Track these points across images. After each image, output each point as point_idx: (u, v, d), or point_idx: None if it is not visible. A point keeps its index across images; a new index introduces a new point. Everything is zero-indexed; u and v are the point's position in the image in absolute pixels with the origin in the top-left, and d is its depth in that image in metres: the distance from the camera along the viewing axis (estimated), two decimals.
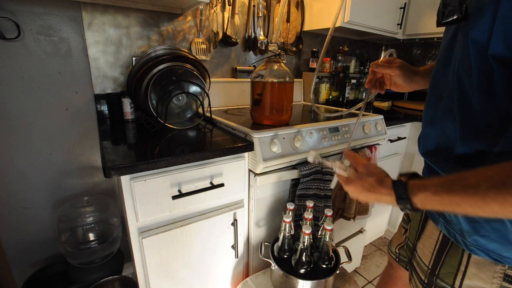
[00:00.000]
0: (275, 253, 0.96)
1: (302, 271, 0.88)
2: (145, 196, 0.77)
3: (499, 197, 0.35)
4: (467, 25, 0.47)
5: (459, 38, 0.50)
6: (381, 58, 0.75)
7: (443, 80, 0.55)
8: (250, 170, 0.97)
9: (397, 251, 0.86)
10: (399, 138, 1.57)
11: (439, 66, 0.58)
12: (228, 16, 1.43)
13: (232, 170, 0.92)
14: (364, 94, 1.97)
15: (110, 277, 1.11)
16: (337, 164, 0.58)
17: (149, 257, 0.83)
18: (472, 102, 0.47)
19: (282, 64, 1.03)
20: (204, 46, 1.40)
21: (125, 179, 0.74)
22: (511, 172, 0.35)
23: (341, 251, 1.01)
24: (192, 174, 0.84)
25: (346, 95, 1.85)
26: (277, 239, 0.98)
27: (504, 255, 0.47)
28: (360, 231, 1.53)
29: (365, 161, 0.56)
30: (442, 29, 0.58)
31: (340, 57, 1.88)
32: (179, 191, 0.82)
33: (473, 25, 0.45)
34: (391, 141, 1.53)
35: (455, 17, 0.48)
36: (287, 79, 1.02)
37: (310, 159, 0.66)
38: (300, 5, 1.63)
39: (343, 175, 0.58)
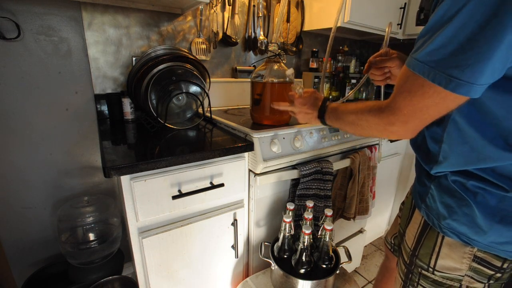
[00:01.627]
0: (275, 253, 0.96)
1: (302, 271, 0.88)
2: (145, 196, 0.77)
3: (352, 126, 0.64)
4: None
5: None
6: (378, 53, 0.79)
7: None
8: (250, 170, 0.97)
9: (392, 241, 0.89)
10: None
11: None
12: (228, 16, 1.43)
13: (232, 170, 0.92)
14: (364, 95, 1.97)
15: (110, 277, 1.11)
16: (297, 88, 0.87)
17: (149, 257, 0.83)
18: None
19: (282, 64, 1.03)
20: (204, 46, 1.40)
21: (125, 179, 0.74)
22: (356, 110, 0.62)
23: (341, 251, 1.01)
24: (192, 174, 0.84)
25: (346, 95, 1.85)
26: (277, 239, 0.98)
27: (472, 238, 0.52)
28: (360, 231, 1.53)
29: (311, 90, 0.84)
30: None
31: (340, 57, 1.88)
32: (179, 191, 0.82)
33: None
34: (391, 141, 1.53)
35: (425, 22, 0.52)
36: (287, 79, 1.02)
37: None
38: (300, 5, 1.63)
39: (297, 94, 0.85)
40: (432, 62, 0.42)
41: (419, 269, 0.61)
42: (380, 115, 0.54)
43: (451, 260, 0.55)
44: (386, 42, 0.78)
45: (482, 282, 0.54)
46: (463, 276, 0.55)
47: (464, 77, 0.40)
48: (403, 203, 0.85)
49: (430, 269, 0.59)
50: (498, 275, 0.52)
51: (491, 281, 0.53)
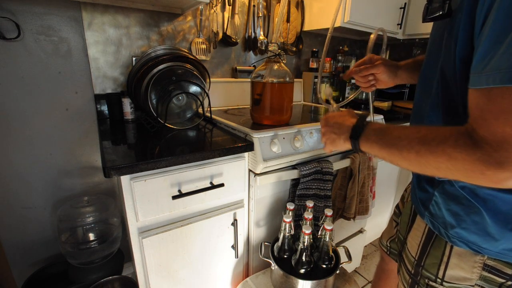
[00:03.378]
0: (275, 253, 0.96)
1: (302, 271, 0.88)
2: (145, 196, 0.77)
3: (414, 162, 0.44)
4: (450, 22, 0.48)
5: (445, 35, 0.50)
6: (362, 60, 0.81)
7: (431, 77, 0.56)
8: (250, 170, 0.97)
9: (388, 244, 0.87)
10: None
11: (428, 62, 0.59)
12: (228, 16, 1.43)
13: (232, 170, 0.92)
14: (364, 95, 1.97)
15: (110, 277, 1.11)
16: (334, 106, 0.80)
17: (149, 257, 0.83)
18: (454, 98, 0.48)
19: (282, 64, 1.03)
20: (204, 46, 1.40)
21: (125, 179, 0.74)
22: (423, 138, 0.43)
23: (341, 251, 1.01)
24: (192, 174, 0.84)
25: (346, 95, 1.85)
26: (277, 239, 0.98)
27: (483, 246, 0.49)
28: (360, 231, 1.53)
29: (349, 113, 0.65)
30: None
31: (340, 57, 1.88)
32: (179, 191, 0.82)
33: (453, 23, 0.46)
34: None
35: (438, 13, 0.50)
36: (287, 79, 1.02)
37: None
38: (300, 5, 1.63)
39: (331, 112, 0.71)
40: None
41: (426, 280, 0.59)
42: (475, 153, 0.37)
43: (461, 270, 0.53)
44: (370, 48, 0.79)
45: None
46: (473, 286, 0.53)
47: None
48: (397, 207, 0.83)
49: (439, 280, 0.56)
50: (509, 283, 0.50)
51: None
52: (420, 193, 0.60)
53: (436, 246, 0.56)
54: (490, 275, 0.51)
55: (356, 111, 0.66)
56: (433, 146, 0.41)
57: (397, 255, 0.81)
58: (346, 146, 0.60)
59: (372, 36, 0.78)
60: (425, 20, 0.56)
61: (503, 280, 0.50)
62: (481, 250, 0.50)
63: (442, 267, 0.55)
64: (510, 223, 0.46)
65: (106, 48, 1.16)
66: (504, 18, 0.33)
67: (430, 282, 0.58)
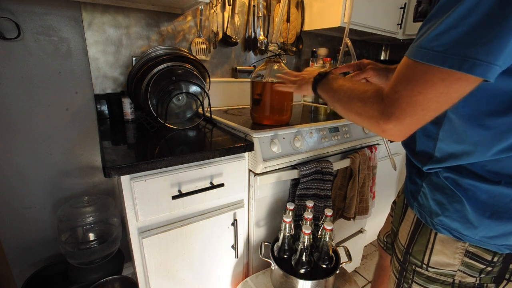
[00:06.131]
0: (275, 253, 0.96)
1: (302, 271, 0.88)
2: (145, 196, 0.77)
3: (344, 105, 0.57)
4: None
5: None
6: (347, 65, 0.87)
7: None
8: (250, 170, 0.97)
9: (385, 239, 0.89)
10: None
11: None
12: (228, 16, 1.43)
13: (232, 170, 0.92)
14: None
15: (110, 277, 1.11)
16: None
17: (149, 257, 0.83)
18: None
19: (282, 64, 1.03)
20: (204, 46, 1.40)
21: (125, 179, 0.74)
22: (355, 89, 0.54)
23: (341, 251, 1.01)
24: (192, 174, 0.84)
25: None
26: (277, 239, 0.98)
27: (464, 233, 0.53)
28: (360, 231, 1.53)
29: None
30: None
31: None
32: (179, 191, 0.82)
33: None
34: (391, 141, 1.53)
35: (423, 16, 0.52)
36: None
37: None
38: (300, 5, 1.63)
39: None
40: (439, 46, 0.39)
41: (413, 266, 0.62)
42: (378, 105, 0.47)
43: (444, 256, 0.56)
44: (354, 55, 0.82)
45: (473, 277, 0.54)
46: (455, 271, 0.56)
47: (481, 55, 0.36)
48: (394, 202, 0.85)
49: (424, 266, 0.59)
50: (489, 269, 0.53)
51: (482, 275, 0.54)
52: (411, 185, 0.63)
53: (422, 234, 0.60)
54: (471, 261, 0.54)
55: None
56: (358, 94, 0.52)
57: (391, 248, 0.82)
58: (309, 87, 0.72)
59: (350, 44, 0.84)
60: (415, 20, 0.61)
61: (483, 266, 0.53)
62: (462, 237, 0.53)
63: (427, 253, 0.58)
64: (487, 211, 0.49)
65: (106, 48, 1.16)
66: (438, 9, 0.40)
67: (417, 268, 0.61)
